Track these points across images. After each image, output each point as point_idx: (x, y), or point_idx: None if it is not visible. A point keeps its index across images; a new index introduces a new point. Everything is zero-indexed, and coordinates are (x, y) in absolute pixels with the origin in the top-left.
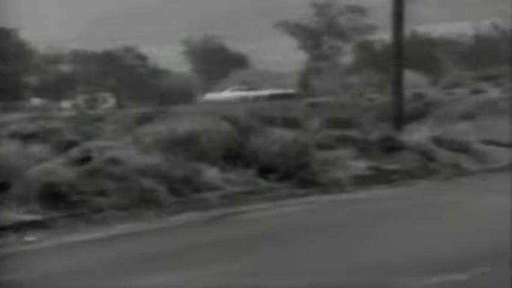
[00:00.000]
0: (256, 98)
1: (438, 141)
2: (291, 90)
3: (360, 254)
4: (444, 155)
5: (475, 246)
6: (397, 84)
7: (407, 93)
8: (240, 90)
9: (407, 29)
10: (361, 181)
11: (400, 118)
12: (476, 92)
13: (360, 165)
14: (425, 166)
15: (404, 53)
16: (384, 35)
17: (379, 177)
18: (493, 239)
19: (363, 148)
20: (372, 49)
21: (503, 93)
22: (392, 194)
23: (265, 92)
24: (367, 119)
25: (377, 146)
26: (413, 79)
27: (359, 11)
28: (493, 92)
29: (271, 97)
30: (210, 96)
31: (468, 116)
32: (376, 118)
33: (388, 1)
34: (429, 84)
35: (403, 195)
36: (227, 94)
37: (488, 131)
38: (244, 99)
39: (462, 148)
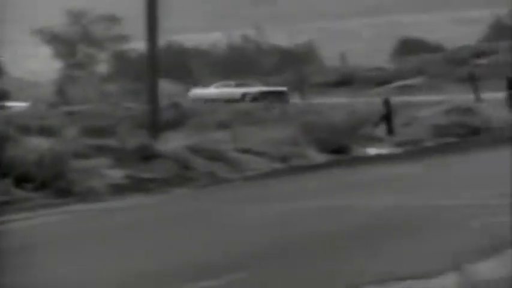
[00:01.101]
0: (243, 95)
1: (194, 150)
2: (282, 88)
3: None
4: (200, 163)
5: (229, 254)
6: (152, 93)
7: (164, 102)
8: (227, 86)
9: (162, 39)
10: (118, 190)
11: (156, 127)
12: (231, 101)
13: (117, 174)
14: (182, 174)
15: (160, 63)
16: (138, 45)
17: (136, 186)
18: (245, 247)
19: (120, 157)
20: (127, 58)
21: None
22: (149, 203)
23: (254, 89)
24: (123, 128)
25: (133, 155)
26: (169, 88)
27: (113, 20)
28: (248, 102)
29: (261, 95)
30: (197, 91)
31: (223, 125)
32: (132, 127)
33: (142, 11)
34: (185, 93)
35: (159, 204)
36: (212, 90)
37: (243, 140)
38: (230, 96)
39: (217, 156)
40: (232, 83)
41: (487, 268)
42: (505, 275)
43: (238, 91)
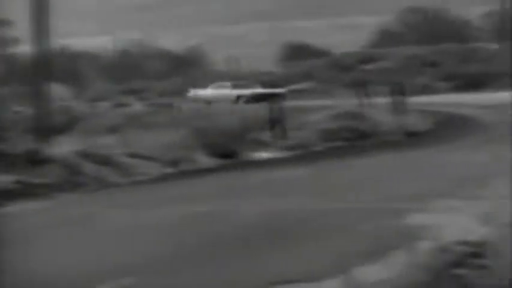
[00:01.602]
0: (238, 97)
1: (84, 155)
2: (280, 90)
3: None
4: (90, 168)
5: (114, 259)
6: (41, 97)
7: (54, 106)
8: (223, 87)
9: (52, 42)
10: (8, 195)
11: (45, 131)
12: (121, 105)
13: (6, 179)
14: (72, 179)
15: (48, 66)
16: (28, 48)
17: (25, 191)
18: (131, 252)
19: (9, 162)
20: (15, 61)
21: (147, 107)
22: (37, 208)
23: (249, 91)
24: (13, 132)
25: (23, 160)
26: (59, 92)
27: (3, 22)
28: (137, 106)
29: (257, 96)
30: (196, 92)
31: (113, 130)
32: (22, 131)
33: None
34: (74, 97)
35: (47, 209)
36: (209, 92)
37: (133, 144)
38: (225, 98)
39: (107, 161)
40: (229, 84)
41: (373, 271)
42: (389, 277)
43: (234, 93)
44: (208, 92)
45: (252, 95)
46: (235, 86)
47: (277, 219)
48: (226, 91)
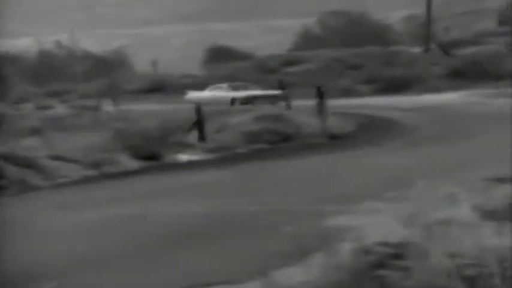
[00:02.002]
0: (233, 100)
1: (5, 157)
2: (276, 92)
3: None
4: (12, 170)
5: (36, 263)
6: None
7: None
8: (219, 89)
9: None
10: None
11: None
12: (43, 107)
13: None
14: None
15: None
16: None
17: None
18: (53, 255)
19: None
20: None
21: (70, 109)
22: None
23: (244, 93)
24: None
25: None
26: None
27: None
28: (60, 108)
29: (253, 99)
30: (192, 95)
31: (35, 132)
32: None
33: None
34: None
35: None
36: (206, 94)
37: (56, 146)
38: (221, 100)
39: (30, 164)
40: (225, 85)
41: (293, 273)
42: (309, 278)
43: (230, 95)
44: (205, 94)
45: (247, 97)
46: (233, 88)
47: (199, 221)
48: (223, 93)
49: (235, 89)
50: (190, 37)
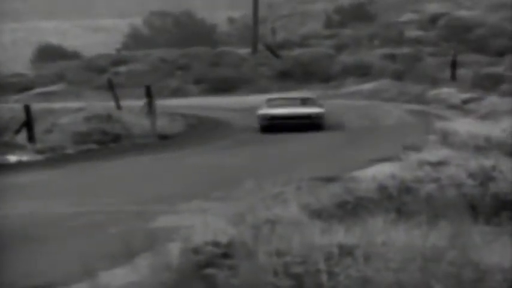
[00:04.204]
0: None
1: None
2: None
3: None
4: None
5: None
6: None
7: None
8: (293, 104)
9: None
10: None
11: None
12: None
13: None
14: None
15: None
16: None
17: None
18: None
19: None
20: None
21: None
22: None
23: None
24: None
25: None
26: None
27: None
28: None
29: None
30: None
31: None
32: None
33: None
34: None
35: None
36: (282, 110)
37: None
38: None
39: None
40: (296, 99)
41: (120, 274)
42: (137, 279)
43: (306, 111)
44: (280, 111)
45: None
46: (303, 102)
47: (24, 222)
48: (299, 109)
49: (305, 103)
50: (18, 35)
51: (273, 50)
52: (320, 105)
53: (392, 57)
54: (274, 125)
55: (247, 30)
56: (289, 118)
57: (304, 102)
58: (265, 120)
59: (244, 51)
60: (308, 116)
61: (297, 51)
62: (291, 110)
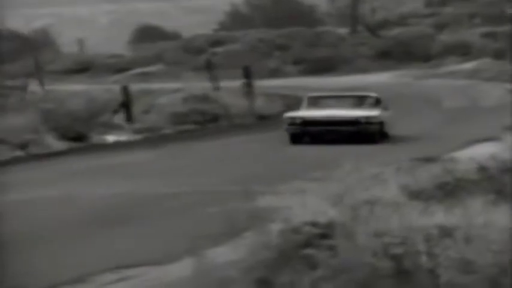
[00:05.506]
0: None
1: None
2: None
3: None
4: None
5: None
6: None
7: None
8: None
9: None
10: None
11: None
12: None
13: None
14: None
15: None
16: None
17: None
18: None
19: None
20: None
21: None
22: None
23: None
24: None
25: None
26: None
27: None
28: None
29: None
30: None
31: None
32: None
33: None
34: None
35: None
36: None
37: None
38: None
39: None
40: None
41: (221, 253)
42: (239, 258)
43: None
44: (321, 113)
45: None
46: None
47: (125, 202)
48: (350, 112)
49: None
50: (116, 16)
51: (372, 29)
52: (383, 107)
53: (493, 35)
54: (306, 133)
55: (346, 10)
56: (327, 124)
57: (361, 102)
58: (294, 126)
59: (343, 31)
60: (354, 122)
61: (396, 31)
62: (330, 112)
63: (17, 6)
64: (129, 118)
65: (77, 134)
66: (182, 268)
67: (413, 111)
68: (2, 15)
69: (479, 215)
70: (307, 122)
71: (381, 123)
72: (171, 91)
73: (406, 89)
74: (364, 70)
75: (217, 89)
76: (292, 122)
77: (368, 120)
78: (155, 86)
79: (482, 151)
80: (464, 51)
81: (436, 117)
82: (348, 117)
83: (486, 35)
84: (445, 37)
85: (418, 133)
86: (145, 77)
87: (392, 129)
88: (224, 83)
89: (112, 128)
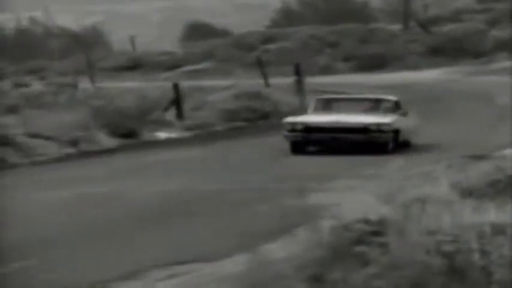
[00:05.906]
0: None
1: None
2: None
3: None
4: None
5: (16, 241)
6: None
7: None
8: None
9: None
10: None
11: None
12: (20, 85)
13: None
14: None
15: None
16: None
17: None
18: (32, 234)
19: None
20: None
21: (47, 87)
22: None
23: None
24: None
25: None
26: None
27: None
28: (37, 86)
29: None
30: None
31: (13, 110)
32: None
33: None
34: None
35: None
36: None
37: (33, 124)
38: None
39: (7, 141)
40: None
41: (274, 249)
42: (293, 254)
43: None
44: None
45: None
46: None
47: (177, 199)
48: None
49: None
50: (167, 14)
51: (425, 25)
52: (401, 113)
53: None
54: (310, 141)
55: (399, 6)
56: (333, 131)
57: (376, 106)
58: (295, 133)
59: (395, 27)
60: (364, 129)
61: (448, 27)
62: (337, 117)
63: (68, 3)
64: (180, 115)
65: (128, 131)
66: (234, 264)
67: (458, 111)
68: (51, 13)
69: None
70: (310, 129)
71: (396, 131)
72: (221, 88)
73: (455, 85)
74: (415, 67)
75: (268, 86)
76: (293, 128)
77: (379, 128)
78: (206, 83)
79: None
80: None
81: (485, 117)
82: (356, 124)
83: None
84: (497, 33)
85: (452, 139)
86: (196, 74)
87: (418, 136)
88: (275, 80)
89: (163, 125)
